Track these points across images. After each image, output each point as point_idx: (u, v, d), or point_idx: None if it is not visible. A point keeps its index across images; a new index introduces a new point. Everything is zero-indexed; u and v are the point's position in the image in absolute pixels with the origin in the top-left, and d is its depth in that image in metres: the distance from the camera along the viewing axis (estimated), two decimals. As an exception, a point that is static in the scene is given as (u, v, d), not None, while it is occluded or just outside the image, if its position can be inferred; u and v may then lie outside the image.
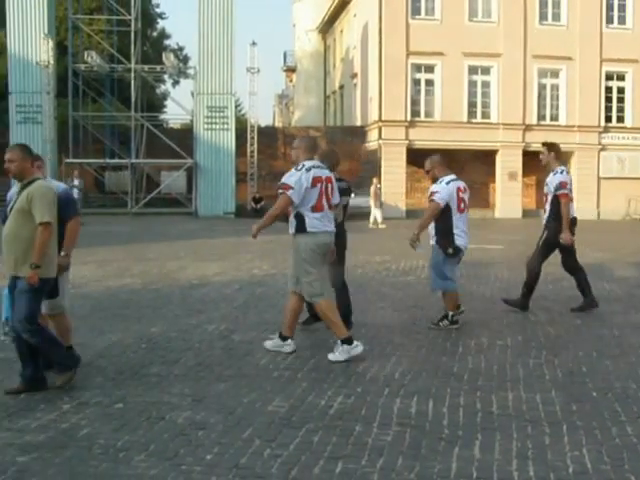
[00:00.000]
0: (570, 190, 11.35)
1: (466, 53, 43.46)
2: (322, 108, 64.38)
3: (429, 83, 44.46)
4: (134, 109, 44.36)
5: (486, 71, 44.46)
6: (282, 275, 12.58)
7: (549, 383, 7.75)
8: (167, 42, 62.27)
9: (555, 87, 45.17)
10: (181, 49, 62.53)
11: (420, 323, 10.80)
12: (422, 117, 44.21)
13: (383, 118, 43.65)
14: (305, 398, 7.13)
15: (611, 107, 45.52)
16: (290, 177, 8.63)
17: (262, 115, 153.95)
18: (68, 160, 41.20)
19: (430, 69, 44.25)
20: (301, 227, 8.69)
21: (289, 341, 8.97)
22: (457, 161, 41.52)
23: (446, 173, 10.31)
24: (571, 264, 11.80)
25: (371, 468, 5.42)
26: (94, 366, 8.38)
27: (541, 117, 45.09)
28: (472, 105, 44.46)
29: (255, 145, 43.95)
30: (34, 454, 5.72)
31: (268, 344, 9.09)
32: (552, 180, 11.38)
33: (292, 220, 8.75)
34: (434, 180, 10.35)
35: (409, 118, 43.63)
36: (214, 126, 41.75)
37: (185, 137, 44.59)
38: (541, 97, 45.10)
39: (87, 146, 45.96)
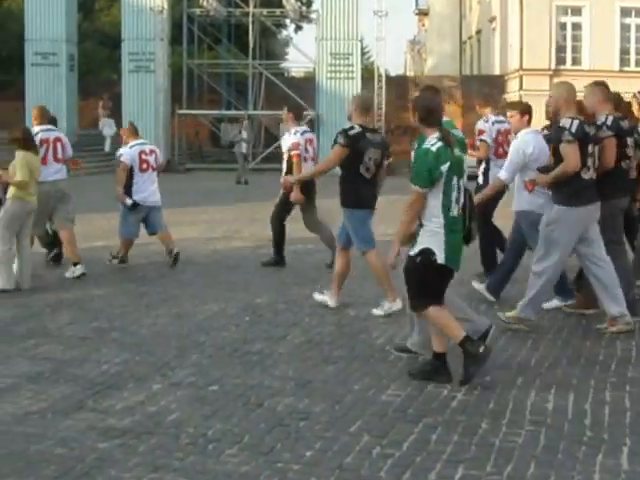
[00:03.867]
0: (305, 150, 12.36)
1: (618, -7, 41.79)
2: (457, 55, 63.24)
3: (576, 27, 42.87)
4: (252, 56, 44.35)
5: (642, 13, 42.71)
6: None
7: None
8: (288, -17, 62.10)
9: None
10: (303, -9, 62.31)
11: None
12: (568, 65, 42.79)
13: (524, 66, 42.52)
14: (424, 387, 6.75)
15: None
16: None
17: (392, 63, 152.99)
18: (181, 111, 41.53)
19: (577, 11, 42.68)
20: None
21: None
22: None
23: (135, 139, 12.80)
24: (312, 222, 12.68)
25: (497, 476, 5.02)
26: (191, 340, 8.22)
27: None
28: (625, 52, 42.74)
29: (383, 95, 43.38)
30: (117, 440, 5.56)
31: None
32: (286, 141, 12.61)
33: None
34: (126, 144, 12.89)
35: (553, 66, 42.31)
36: (338, 75, 41.37)
37: (307, 87, 44.35)
38: None
39: (202, 96, 46.24)
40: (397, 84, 47.12)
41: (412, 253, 6.83)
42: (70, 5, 40.94)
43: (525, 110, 10.04)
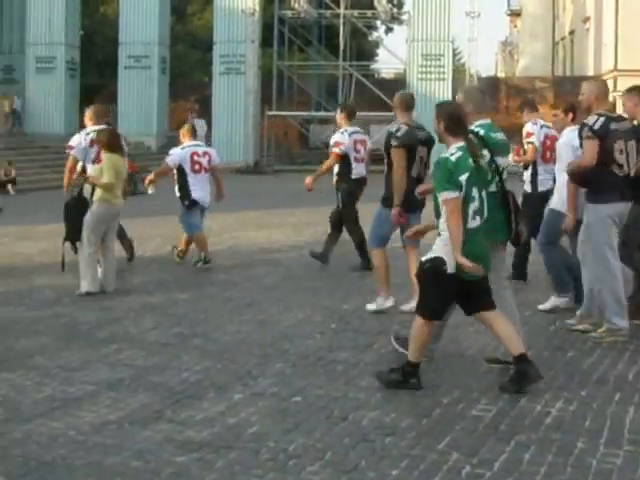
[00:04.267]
0: (356, 150, 12.55)
1: None
2: (550, 56, 62.33)
3: (676, 25, 41.98)
4: (342, 58, 44.20)
5: None
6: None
7: None
8: (379, -15, 61.78)
9: None
10: (395, -8, 61.92)
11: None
12: (666, 66, 41.87)
13: (619, 67, 41.72)
14: (516, 401, 6.39)
15: None
16: (73, 140, 11.71)
17: (483, 64, 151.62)
18: (270, 112, 41.55)
19: (679, 8, 41.73)
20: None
21: None
22: None
23: (189, 139, 12.86)
24: (338, 220, 12.88)
25: (595, 500, 4.69)
26: (275, 348, 7.98)
27: None
28: None
29: (474, 97, 42.90)
30: (194, 454, 5.33)
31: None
32: (332, 139, 12.83)
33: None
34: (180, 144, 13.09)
35: (650, 67, 41.44)
36: (429, 76, 41.05)
37: (397, 88, 43.63)
38: None
39: (291, 97, 46.27)
40: (488, 85, 46.47)
41: (423, 259, 6.65)
42: (163, 9, 41.40)
43: (569, 108, 9.80)
